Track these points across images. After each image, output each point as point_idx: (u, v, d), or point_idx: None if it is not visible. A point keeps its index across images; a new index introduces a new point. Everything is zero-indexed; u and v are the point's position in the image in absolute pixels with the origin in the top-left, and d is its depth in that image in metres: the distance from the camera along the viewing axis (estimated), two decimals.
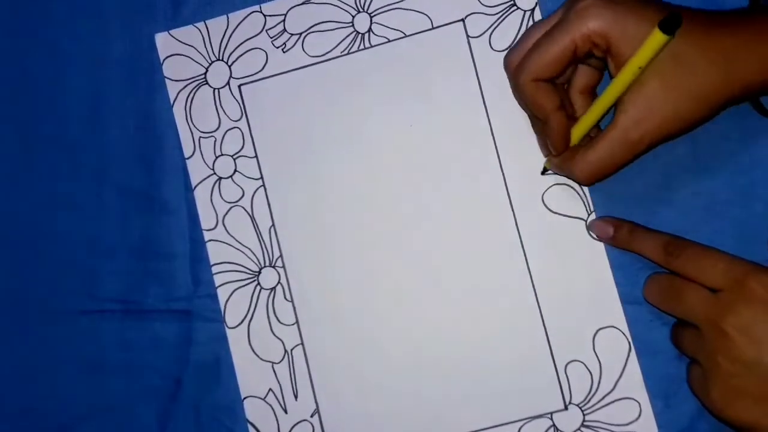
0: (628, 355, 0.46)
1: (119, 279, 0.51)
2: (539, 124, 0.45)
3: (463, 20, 0.49)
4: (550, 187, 0.47)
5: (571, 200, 0.47)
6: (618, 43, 0.40)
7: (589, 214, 0.47)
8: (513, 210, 0.48)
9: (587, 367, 0.47)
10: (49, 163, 0.52)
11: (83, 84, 0.52)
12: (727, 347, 0.40)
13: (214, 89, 0.51)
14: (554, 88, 0.43)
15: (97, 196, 0.51)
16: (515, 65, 0.43)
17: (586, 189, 0.47)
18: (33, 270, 0.51)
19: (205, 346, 0.50)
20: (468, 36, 0.49)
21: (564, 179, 0.47)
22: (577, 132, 0.44)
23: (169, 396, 0.50)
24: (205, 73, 0.51)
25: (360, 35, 0.50)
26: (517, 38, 0.47)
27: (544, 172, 0.47)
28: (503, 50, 0.48)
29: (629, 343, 0.46)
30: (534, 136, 0.47)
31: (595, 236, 0.47)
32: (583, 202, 0.47)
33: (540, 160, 0.47)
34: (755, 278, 0.40)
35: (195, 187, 0.50)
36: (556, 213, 0.47)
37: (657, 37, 0.38)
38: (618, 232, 0.45)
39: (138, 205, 0.51)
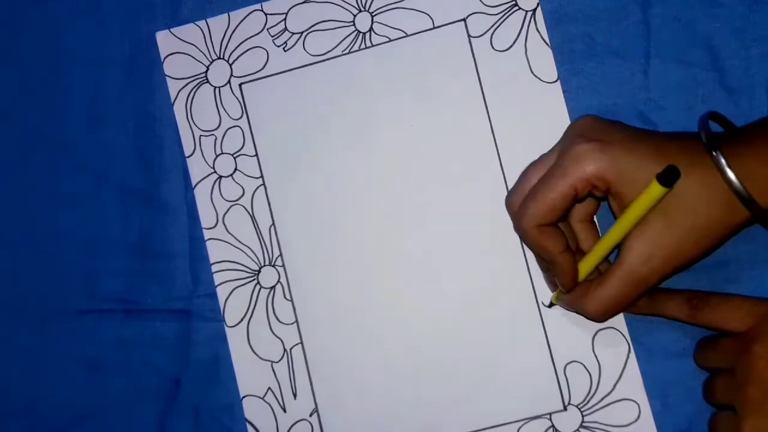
0: (628, 357, 0.46)
1: (119, 279, 0.50)
2: (544, 263, 0.45)
3: (464, 20, 0.49)
4: None
5: None
6: (618, 185, 0.40)
7: None
8: None
9: (586, 368, 0.47)
10: (48, 163, 0.52)
11: (83, 84, 0.52)
12: (757, 375, 0.39)
13: (215, 88, 0.51)
14: (558, 231, 0.43)
15: (97, 196, 0.51)
16: (516, 209, 0.43)
17: None
18: (33, 270, 0.51)
19: (205, 345, 0.50)
20: (469, 36, 0.49)
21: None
22: (584, 269, 0.44)
23: (169, 395, 0.50)
24: (206, 72, 0.51)
25: (361, 34, 0.50)
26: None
27: (551, 305, 0.47)
28: (504, 50, 0.48)
29: (629, 344, 0.46)
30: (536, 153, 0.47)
31: None
32: None
33: None
34: None
35: (195, 185, 0.50)
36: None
37: (655, 189, 0.39)
38: (638, 299, 0.45)
39: (138, 205, 0.51)
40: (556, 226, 0.43)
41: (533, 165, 0.44)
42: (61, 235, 0.51)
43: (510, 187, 0.47)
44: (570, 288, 0.44)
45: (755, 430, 0.39)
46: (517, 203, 0.43)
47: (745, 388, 0.40)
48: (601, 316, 0.43)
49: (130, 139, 0.51)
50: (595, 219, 0.46)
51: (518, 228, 0.43)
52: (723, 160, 0.39)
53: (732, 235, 0.41)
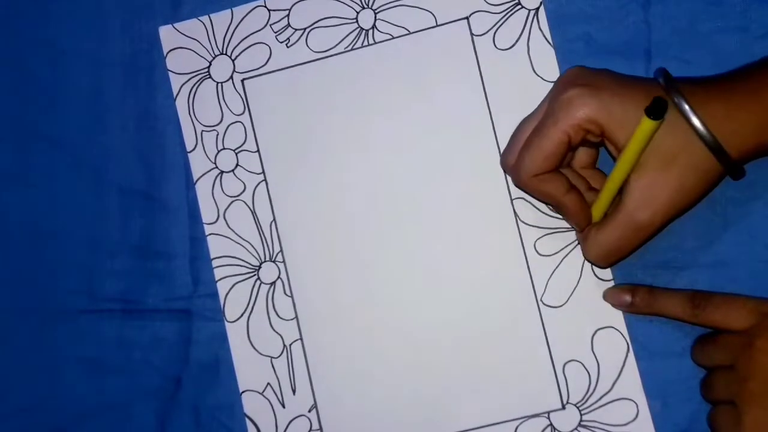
0: (626, 356, 0.46)
1: (119, 278, 0.51)
2: (557, 208, 0.45)
3: (467, 18, 0.49)
4: None
5: None
6: (610, 127, 0.40)
7: None
8: (514, 209, 0.48)
9: (585, 367, 0.47)
10: (48, 163, 0.52)
11: (83, 83, 0.52)
12: (759, 369, 0.40)
13: (217, 83, 0.51)
14: (558, 174, 0.43)
15: (97, 196, 0.51)
16: (512, 165, 0.43)
17: None
18: (33, 270, 0.51)
19: (205, 345, 0.50)
20: (472, 34, 0.49)
21: None
22: (596, 213, 0.44)
23: (169, 395, 0.50)
24: (209, 67, 0.51)
25: (364, 31, 0.50)
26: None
27: None
28: (507, 49, 0.48)
29: (628, 344, 0.46)
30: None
31: (612, 305, 0.46)
32: None
33: None
34: None
35: (196, 180, 0.50)
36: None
37: (646, 124, 0.39)
38: (636, 297, 0.45)
39: (138, 205, 0.51)
40: (556, 170, 0.43)
41: (525, 120, 0.44)
42: (61, 235, 0.51)
43: (510, 185, 0.48)
44: (584, 227, 0.44)
45: (756, 423, 0.40)
46: (513, 159, 0.43)
47: (747, 382, 0.40)
48: (600, 261, 0.43)
49: (130, 138, 0.51)
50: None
51: (517, 181, 0.44)
52: (686, 105, 0.39)
53: (725, 175, 0.41)
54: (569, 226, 0.47)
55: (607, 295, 0.46)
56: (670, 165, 0.40)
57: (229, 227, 0.50)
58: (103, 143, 0.51)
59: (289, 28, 0.50)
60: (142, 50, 0.51)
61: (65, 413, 0.51)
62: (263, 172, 0.50)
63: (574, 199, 0.43)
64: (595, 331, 0.47)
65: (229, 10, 0.51)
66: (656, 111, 0.38)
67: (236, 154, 0.50)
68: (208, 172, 0.50)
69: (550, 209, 0.47)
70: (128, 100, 0.51)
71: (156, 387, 0.50)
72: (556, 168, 0.42)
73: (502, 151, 0.46)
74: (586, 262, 0.47)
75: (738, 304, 0.42)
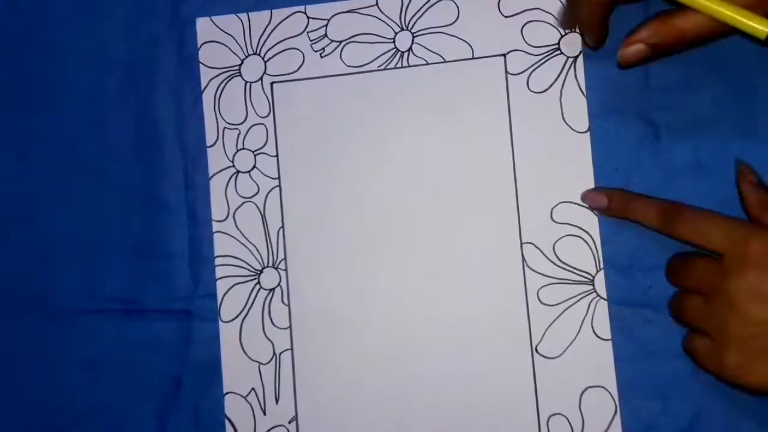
0: (613, 419, 0.46)
1: (119, 279, 0.50)
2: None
3: (504, 55, 0.48)
4: (563, 237, 0.47)
5: (580, 251, 0.47)
6: None
7: (597, 271, 0.47)
8: (523, 254, 0.47)
9: (570, 423, 0.46)
10: (48, 163, 0.52)
11: (83, 84, 0.52)
12: (739, 313, 0.40)
13: (247, 82, 0.50)
14: None
15: (97, 196, 0.51)
16: None
17: (597, 243, 0.47)
18: (33, 269, 0.51)
19: (205, 345, 0.50)
20: (507, 72, 0.48)
21: (576, 231, 0.47)
22: None
23: (169, 396, 0.50)
24: (240, 65, 0.50)
25: (400, 53, 0.49)
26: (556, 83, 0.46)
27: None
28: (540, 92, 0.48)
29: (616, 406, 0.46)
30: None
31: (589, 207, 0.47)
32: (594, 257, 0.47)
33: (557, 213, 0.47)
34: (757, 240, 0.40)
35: (212, 176, 0.50)
36: (565, 264, 0.47)
37: None
38: (612, 201, 0.45)
39: (138, 205, 0.51)
40: None
41: None
42: (61, 235, 0.51)
43: (522, 228, 0.47)
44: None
45: (738, 366, 0.40)
46: None
47: (727, 324, 0.40)
48: None
49: (130, 139, 0.51)
50: None
51: None
52: None
53: None
54: (576, 278, 0.47)
55: (585, 197, 0.47)
56: None
57: (237, 228, 0.50)
58: (103, 143, 0.51)
59: (326, 38, 0.50)
60: (141, 51, 0.51)
61: (65, 413, 0.51)
62: (279, 177, 0.50)
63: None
64: (585, 389, 0.46)
65: (268, 11, 0.50)
66: None
67: (255, 155, 0.50)
68: (225, 169, 0.50)
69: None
70: (128, 100, 0.51)
71: (156, 387, 0.50)
72: None
73: None
74: (586, 319, 0.46)
75: (711, 223, 0.42)
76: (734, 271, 0.40)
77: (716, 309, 0.41)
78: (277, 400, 0.49)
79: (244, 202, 0.50)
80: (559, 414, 0.46)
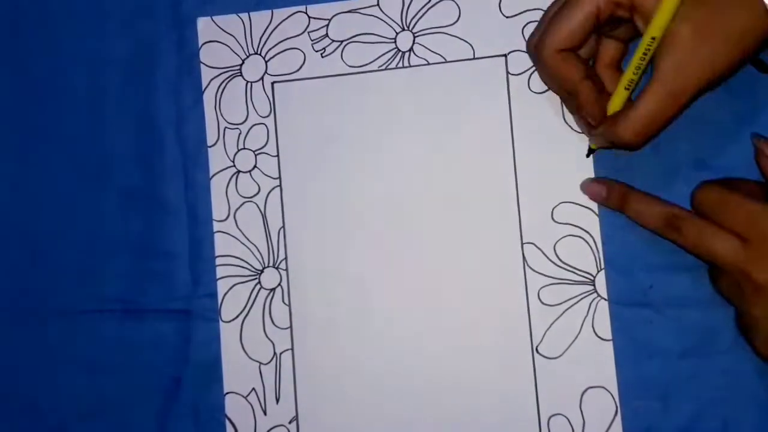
0: (613, 419, 0.46)
1: (119, 279, 0.50)
2: (572, 100, 0.44)
3: (505, 56, 0.48)
4: (564, 237, 0.47)
5: (581, 251, 0.47)
6: None
7: (598, 271, 0.47)
8: (523, 254, 0.47)
9: (570, 423, 0.46)
10: (49, 164, 0.52)
11: (83, 84, 0.52)
12: (764, 300, 0.40)
13: (247, 82, 0.50)
14: (579, 59, 0.43)
15: (97, 196, 0.51)
16: (536, 41, 0.43)
17: (598, 243, 0.47)
18: (33, 270, 0.51)
19: (205, 345, 0.50)
20: (508, 72, 0.48)
21: (577, 231, 0.47)
22: (617, 98, 0.43)
23: (169, 396, 0.50)
24: (241, 65, 0.50)
25: (401, 53, 0.49)
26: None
27: (590, 153, 0.47)
28: (541, 92, 0.48)
29: (617, 407, 0.46)
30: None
31: (588, 197, 0.47)
32: (594, 258, 0.47)
33: (558, 213, 0.47)
34: None
35: (212, 176, 0.50)
36: (565, 264, 0.47)
37: None
38: (611, 194, 0.46)
39: (138, 205, 0.51)
40: (577, 54, 0.43)
41: (554, 2, 0.44)
42: (61, 235, 0.51)
43: (523, 227, 0.47)
44: (599, 117, 0.44)
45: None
46: (538, 36, 0.43)
47: (753, 310, 0.41)
48: (637, 136, 0.42)
49: (130, 139, 0.51)
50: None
51: (539, 57, 0.43)
52: None
53: (757, 47, 0.41)
54: (577, 279, 0.47)
55: (584, 186, 0.47)
56: (701, 33, 0.40)
57: (238, 227, 0.50)
58: (103, 143, 0.51)
59: (327, 38, 0.50)
60: (141, 50, 0.51)
61: (65, 413, 0.51)
62: (279, 177, 0.50)
63: (591, 86, 0.43)
64: (586, 389, 0.46)
65: (269, 11, 0.50)
66: None
67: (256, 155, 0.50)
68: (226, 169, 0.50)
69: (568, 107, 0.46)
70: (128, 100, 0.51)
71: (156, 387, 0.50)
72: (579, 45, 0.42)
73: (530, 34, 0.46)
74: (587, 319, 0.46)
75: (715, 235, 0.41)
76: (758, 260, 0.40)
77: (744, 294, 0.41)
78: (277, 400, 0.49)
79: (244, 202, 0.50)
80: (559, 414, 0.46)
